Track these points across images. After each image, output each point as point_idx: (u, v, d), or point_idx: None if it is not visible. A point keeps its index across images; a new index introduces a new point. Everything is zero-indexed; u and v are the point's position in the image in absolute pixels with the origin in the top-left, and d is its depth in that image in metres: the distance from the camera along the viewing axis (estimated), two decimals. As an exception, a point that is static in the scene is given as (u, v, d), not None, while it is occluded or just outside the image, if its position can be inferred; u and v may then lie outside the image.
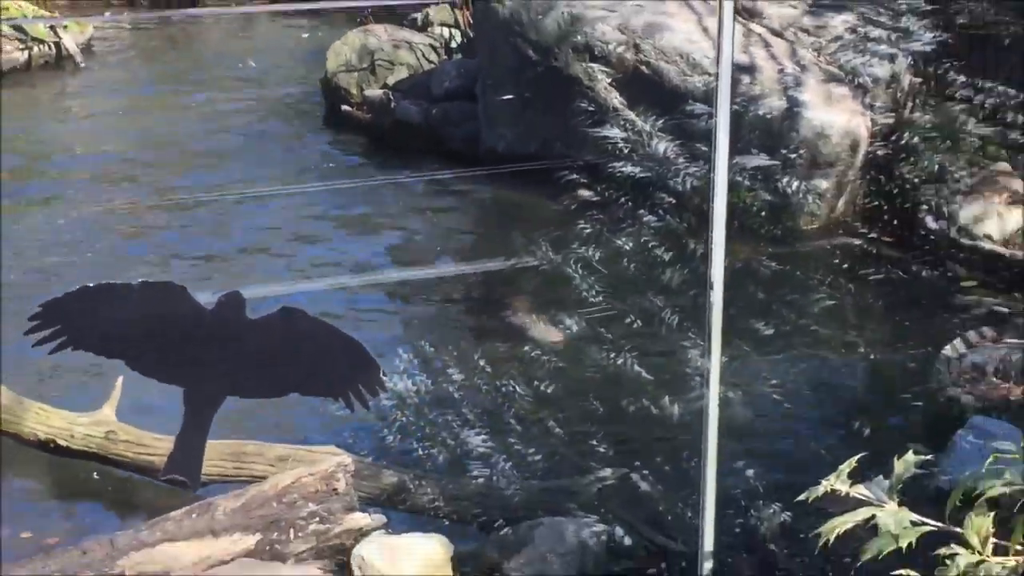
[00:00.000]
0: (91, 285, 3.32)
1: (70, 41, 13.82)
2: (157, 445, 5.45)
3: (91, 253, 8.12)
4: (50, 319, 3.39)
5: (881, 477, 2.36)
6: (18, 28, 13.42)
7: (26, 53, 13.53)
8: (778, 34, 8.71)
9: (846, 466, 2.32)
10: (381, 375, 3.49)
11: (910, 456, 2.31)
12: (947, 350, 6.28)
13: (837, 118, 8.17)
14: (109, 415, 5.64)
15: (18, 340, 3.90)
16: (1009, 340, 6.39)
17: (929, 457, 2.36)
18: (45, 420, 5.70)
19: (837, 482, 2.31)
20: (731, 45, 2.51)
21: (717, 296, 2.74)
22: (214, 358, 3.44)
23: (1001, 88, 8.04)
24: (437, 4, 12.22)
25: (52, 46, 13.73)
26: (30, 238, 8.42)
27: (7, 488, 5.59)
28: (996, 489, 2.20)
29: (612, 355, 5.12)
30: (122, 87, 13.31)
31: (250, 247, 8.37)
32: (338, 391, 3.46)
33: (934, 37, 8.21)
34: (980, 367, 6.13)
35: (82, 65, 13.77)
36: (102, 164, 10.40)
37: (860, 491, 2.28)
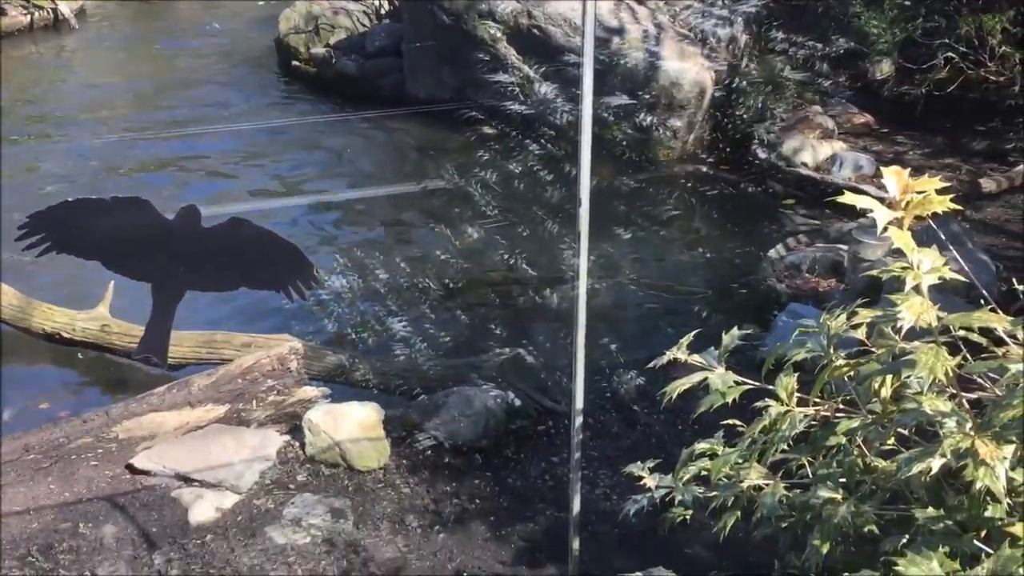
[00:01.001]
0: (70, 199, 3.23)
1: (65, 7, 13.30)
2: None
3: (81, 172, 7.92)
4: (36, 228, 3.31)
5: (713, 348, 2.37)
6: (22, -4, 12.94)
7: (28, 17, 13.02)
8: (641, 2, 8.63)
9: (685, 340, 2.32)
10: (315, 272, 3.46)
11: (734, 331, 2.33)
12: (771, 252, 6.37)
13: (688, 70, 8.15)
14: (103, 312, 5.53)
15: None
16: (819, 245, 6.49)
17: (750, 331, 2.37)
18: (50, 317, 5.57)
19: (678, 352, 2.32)
20: (594, 4, 2.47)
21: (585, 208, 2.72)
22: (175, 260, 3.38)
23: (811, 43, 8.08)
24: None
25: (50, 11, 13.21)
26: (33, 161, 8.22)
27: (26, 371, 5.49)
28: (800, 355, 2.22)
29: (505, 257, 5.09)
30: (109, 44, 12.89)
31: (212, 170, 8.18)
32: (279, 285, 3.43)
33: (760, 11, 8.19)
34: (796, 265, 6.23)
35: (75, 27, 13.27)
36: (91, 104, 10.07)
37: (696, 359, 2.29)
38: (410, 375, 4.92)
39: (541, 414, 4.68)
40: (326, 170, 8.54)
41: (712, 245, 6.78)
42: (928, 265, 1.73)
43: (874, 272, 1.83)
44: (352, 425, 4.42)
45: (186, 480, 4.25)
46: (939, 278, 1.76)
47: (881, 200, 1.88)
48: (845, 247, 6.17)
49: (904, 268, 1.74)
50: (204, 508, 4.11)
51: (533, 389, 4.78)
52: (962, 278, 1.80)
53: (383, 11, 11.46)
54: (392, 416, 4.58)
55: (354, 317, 5.06)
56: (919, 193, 1.69)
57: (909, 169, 1.72)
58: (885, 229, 1.68)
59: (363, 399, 4.64)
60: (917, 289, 1.75)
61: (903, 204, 1.70)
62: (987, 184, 7.24)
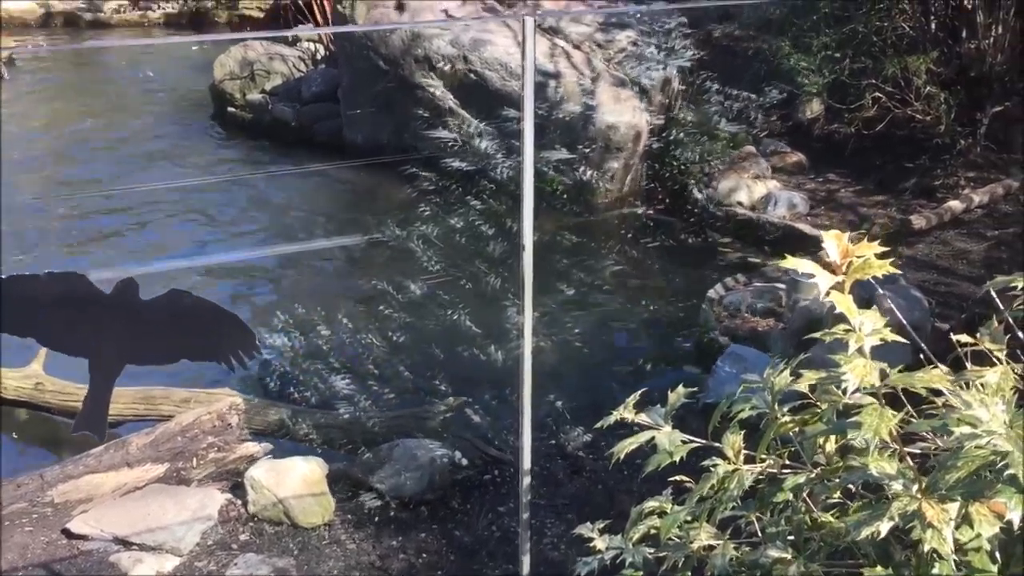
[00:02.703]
0: (2, 277, 3.14)
1: (-6, 56, 13.08)
2: (79, 393, 5.25)
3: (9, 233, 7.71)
4: None
5: (659, 405, 2.37)
6: (-52, 45, 12.70)
7: (-45, 65, 12.78)
8: (577, 47, 8.72)
9: (631, 399, 2.32)
10: (256, 342, 3.41)
11: (680, 389, 2.33)
12: (710, 293, 6.42)
13: (624, 113, 8.23)
14: (38, 369, 5.40)
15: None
16: (756, 284, 6.56)
17: (695, 389, 2.37)
18: (-18, 376, 5.43)
19: (625, 412, 2.31)
20: (533, 61, 2.48)
21: (528, 266, 2.71)
22: (113, 334, 3.30)
23: (745, 94, 8.21)
24: (314, 34, 11.96)
25: (-22, 61, 12.97)
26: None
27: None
28: (745, 412, 2.22)
29: (448, 312, 5.03)
30: (40, 93, 12.68)
31: (142, 227, 8.01)
32: (220, 357, 3.37)
33: (693, 55, 8.30)
34: (735, 305, 6.28)
35: (5, 77, 13.05)
36: (18, 158, 9.87)
37: (643, 418, 2.28)
38: (354, 429, 4.85)
39: (487, 464, 4.65)
40: (264, 222, 8.43)
41: (652, 288, 6.81)
42: (870, 327, 1.75)
43: (817, 335, 1.85)
44: (295, 481, 4.35)
45: (125, 544, 4.15)
46: (880, 340, 1.78)
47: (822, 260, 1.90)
48: (782, 285, 6.25)
49: (847, 331, 1.75)
50: (143, 572, 4.01)
51: (478, 439, 4.75)
52: (902, 340, 1.82)
53: (319, 56, 11.44)
54: (336, 471, 4.52)
55: (295, 372, 4.98)
56: (859, 257, 1.71)
57: (850, 233, 1.74)
58: (827, 294, 1.70)
59: (306, 454, 4.58)
60: (860, 351, 1.77)
61: (844, 268, 1.72)
62: (917, 221, 7.38)
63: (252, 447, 4.68)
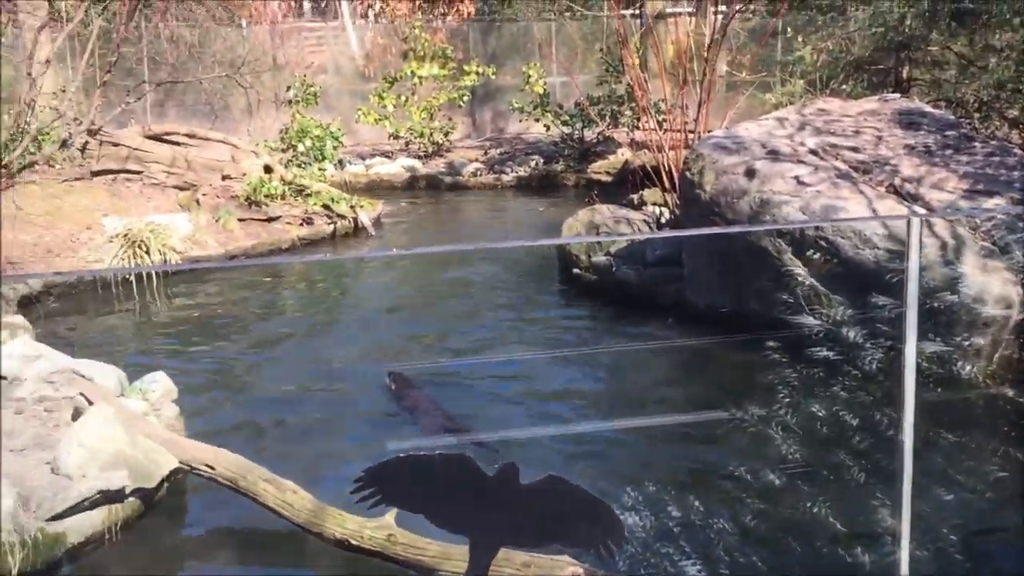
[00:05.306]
0: (401, 456, 3.42)
1: (365, 216, 14.47)
2: (427, 547, 5.51)
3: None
4: (370, 482, 3.52)
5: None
6: (326, 207, 14.20)
7: (332, 226, 14.26)
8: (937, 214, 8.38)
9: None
10: (625, 533, 3.45)
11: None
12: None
13: (993, 284, 7.75)
14: (390, 521, 5.72)
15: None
16: None
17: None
18: (341, 523, 5.81)
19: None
20: (918, 262, 2.40)
21: (908, 470, 2.57)
22: (494, 515, 3.45)
23: None
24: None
25: (351, 221, 14.40)
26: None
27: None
28: None
29: (808, 504, 4.82)
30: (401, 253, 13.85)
31: (499, 398, 8.24)
32: (591, 545, 3.44)
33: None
34: None
35: (373, 234, 14.38)
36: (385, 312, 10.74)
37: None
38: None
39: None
40: (614, 392, 8.50)
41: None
42: None
43: None
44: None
45: None
46: None
47: None
48: None
49: None
50: None
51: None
52: None
53: (663, 220, 11.73)
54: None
55: (646, 557, 4.89)
56: None
57: None
58: None
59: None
60: None
61: None
62: None
63: (591, 620, 4.65)
